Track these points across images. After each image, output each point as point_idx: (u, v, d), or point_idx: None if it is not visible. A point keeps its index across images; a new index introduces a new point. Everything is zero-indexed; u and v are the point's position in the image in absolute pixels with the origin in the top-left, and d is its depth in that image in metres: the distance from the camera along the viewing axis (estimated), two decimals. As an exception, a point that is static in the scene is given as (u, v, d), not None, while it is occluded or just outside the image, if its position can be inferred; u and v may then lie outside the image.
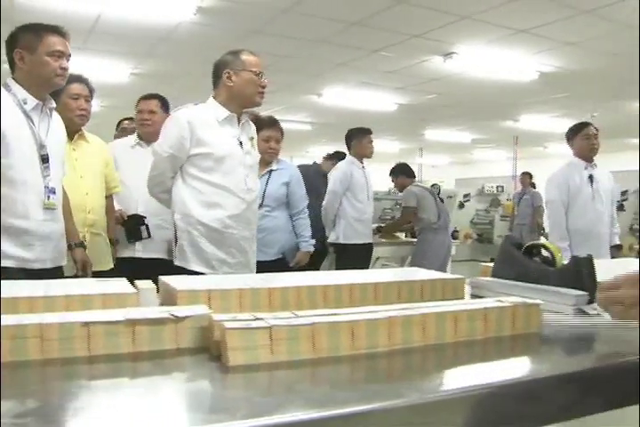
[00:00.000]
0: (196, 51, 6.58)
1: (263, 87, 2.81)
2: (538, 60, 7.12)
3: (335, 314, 0.84)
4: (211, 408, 0.62)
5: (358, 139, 5.04)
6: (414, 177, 5.75)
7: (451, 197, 12.85)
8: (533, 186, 11.29)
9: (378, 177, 9.39)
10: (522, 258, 1.33)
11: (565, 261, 1.31)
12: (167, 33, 6.22)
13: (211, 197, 2.74)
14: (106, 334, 0.79)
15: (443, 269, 5.19)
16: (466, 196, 13.01)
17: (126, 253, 3.54)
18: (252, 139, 2.95)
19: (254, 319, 0.80)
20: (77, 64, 3.03)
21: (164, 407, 0.62)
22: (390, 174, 5.82)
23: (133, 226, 3.46)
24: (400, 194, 6.03)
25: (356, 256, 4.76)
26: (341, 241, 4.72)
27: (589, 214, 4.25)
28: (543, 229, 9.90)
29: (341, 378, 0.77)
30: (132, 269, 3.10)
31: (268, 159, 3.64)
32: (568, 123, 10.78)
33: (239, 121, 2.86)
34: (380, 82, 8.30)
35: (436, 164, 18.54)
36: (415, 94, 9.08)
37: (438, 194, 12.33)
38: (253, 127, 3.03)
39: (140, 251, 3.50)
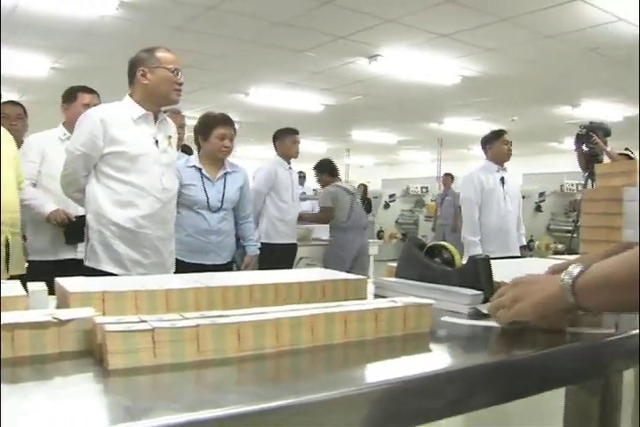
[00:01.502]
0: (118, 46, 6.44)
1: (180, 84, 2.79)
2: (460, 65, 7.31)
3: (223, 316, 0.83)
4: (80, 414, 0.61)
5: (283, 139, 5.07)
6: (338, 175, 5.77)
7: (376, 197, 13.03)
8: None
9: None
10: (423, 258, 1.36)
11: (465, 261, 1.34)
12: (89, 27, 6.07)
13: (124, 196, 2.70)
14: (-17, 338, 0.77)
15: (356, 268, 5.37)
16: (391, 196, 13.23)
17: (68, 254, 3.43)
18: (169, 137, 2.92)
19: (138, 322, 0.79)
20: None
21: (33, 414, 0.60)
22: (314, 169, 5.86)
23: (79, 227, 3.35)
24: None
25: (278, 256, 4.76)
26: (263, 240, 4.72)
27: (501, 213, 4.71)
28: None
29: (225, 380, 0.77)
30: (74, 272, 3.00)
31: (221, 157, 3.62)
32: (489, 126, 11.12)
33: (156, 119, 2.83)
34: (306, 82, 8.34)
35: (362, 164, 18.74)
36: (341, 95, 9.17)
37: (365, 194, 12.48)
38: (172, 125, 3.01)
39: (82, 252, 3.41)
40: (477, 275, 1.25)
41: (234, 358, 0.81)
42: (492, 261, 1.30)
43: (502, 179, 4.79)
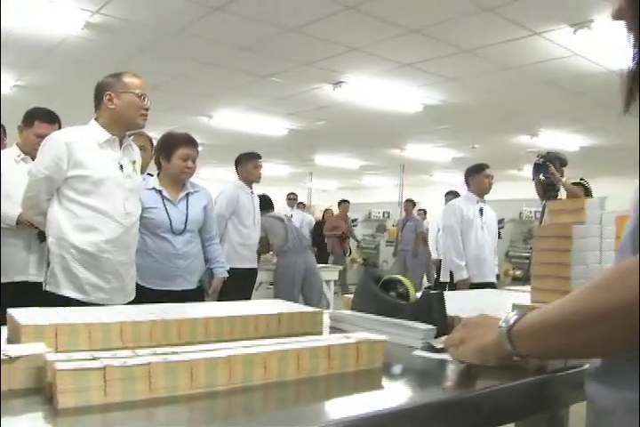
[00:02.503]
0: (82, 65, 6.41)
1: (146, 109, 2.79)
2: (422, 93, 7.43)
3: (175, 353, 0.84)
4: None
5: (245, 164, 5.09)
6: (270, 208, 5.94)
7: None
8: (425, 213, 11.74)
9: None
10: (379, 292, 1.38)
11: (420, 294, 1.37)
12: (53, 46, 6.02)
13: (87, 220, 2.67)
14: None
15: (306, 288, 5.63)
16: (353, 221, 13.27)
17: (20, 276, 3.36)
18: (134, 162, 2.91)
19: (90, 359, 0.78)
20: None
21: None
22: None
23: None
24: None
25: (239, 281, 4.73)
26: (224, 265, 4.69)
27: (479, 242, 5.03)
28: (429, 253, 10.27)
29: (176, 419, 0.77)
30: (27, 296, 2.93)
31: (183, 178, 3.51)
32: (451, 153, 11.23)
33: (121, 144, 2.82)
34: (270, 107, 8.38)
35: (325, 188, 18.80)
36: (305, 120, 9.22)
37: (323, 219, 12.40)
38: (137, 150, 2.99)
39: (33, 275, 3.33)
40: (431, 309, 1.27)
41: (185, 395, 0.81)
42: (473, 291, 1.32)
43: (481, 210, 5.09)
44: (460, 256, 4.94)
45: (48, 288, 2.69)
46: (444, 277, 5.10)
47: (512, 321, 0.95)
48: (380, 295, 1.36)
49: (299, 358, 0.91)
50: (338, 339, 1.00)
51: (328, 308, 5.75)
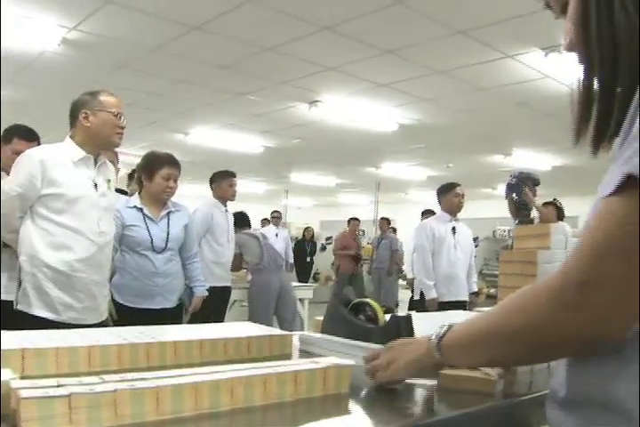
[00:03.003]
0: (58, 81, 6.39)
1: (122, 128, 2.78)
2: (398, 113, 7.51)
3: (142, 378, 0.84)
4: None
5: (219, 182, 5.09)
6: (246, 226, 5.99)
7: (315, 239, 13.11)
8: (394, 230, 11.77)
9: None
10: (348, 315, 1.39)
11: (387, 317, 1.38)
12: (29, 61, 5.99)
13: (60, 238, 2.65)
14: None
15: (280, 307, 5.64)
16: (328, 239, 13.29)
17: None
18: (108, 181, 2.90)
19: (56, 386, 0.78)
20: None
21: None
22: None
23: None
24: None
25: (213, 299, 4.71)
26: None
27: (451, 260, 5.04)
28: (402, 271, 10.31)
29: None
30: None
31: (164, 198, 3.53)
32: (426, 172, 11.30)
33: (96, 162, 2.81)
34: (246, 124, 8.40)
35: (301, 205, 18.82)
36: (281, 138, 9.25)
37: (312, 237, 12.36)
38: (112, 168, 2.98)
39: (3, 293, 3.29)
40: (399, 333, 1.29)
41: (152, 422, 0.81)
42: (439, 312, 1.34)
43: (454, 228, 5.10)
44: (429, 276, 4.96)
45: (19, 307, 2.66)
46: (417, 297, 5.14)
47: (442, 332, 0.98)
48: (348, 319, 1.37)
49: (265, 384, 0.92)
50: (305, 364, 1.01)
51: (302, 327, 5.74)
